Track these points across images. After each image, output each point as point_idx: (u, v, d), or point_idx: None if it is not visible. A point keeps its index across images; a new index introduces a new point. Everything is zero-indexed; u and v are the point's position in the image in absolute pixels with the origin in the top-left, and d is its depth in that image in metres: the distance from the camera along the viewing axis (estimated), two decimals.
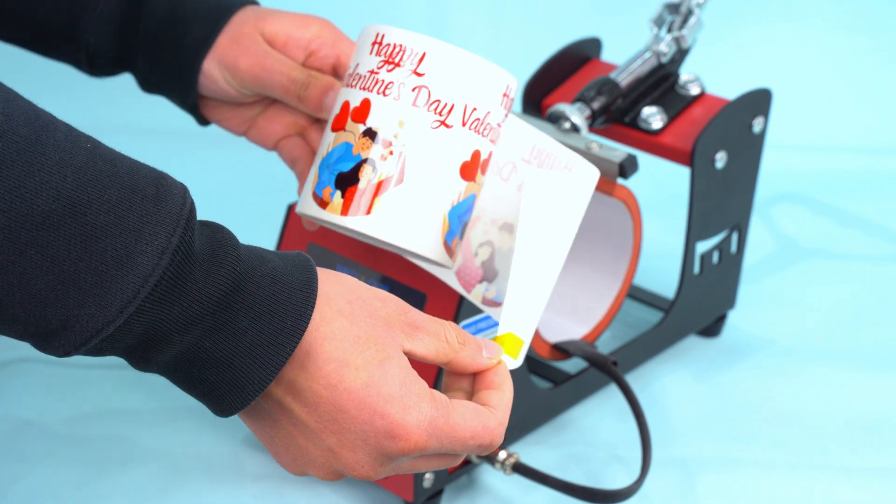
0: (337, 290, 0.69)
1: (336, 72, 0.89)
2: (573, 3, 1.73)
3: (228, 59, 0.86)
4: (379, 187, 0.79)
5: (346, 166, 0.80)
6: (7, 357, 1.18)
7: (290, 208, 1.05)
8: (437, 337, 0.71)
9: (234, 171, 1.53)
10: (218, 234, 0.68)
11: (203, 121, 0.93)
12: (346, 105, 0.81)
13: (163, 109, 1.63)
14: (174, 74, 0.88)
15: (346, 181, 0.79)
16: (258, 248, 0.70)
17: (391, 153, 0.79)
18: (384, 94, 0.79)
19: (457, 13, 1.73)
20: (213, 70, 0.87)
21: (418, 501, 0.98)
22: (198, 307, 0.64)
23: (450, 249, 0.81)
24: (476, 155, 0.80)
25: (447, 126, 0.79)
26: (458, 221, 0.81)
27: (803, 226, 1.45)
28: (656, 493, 1.02)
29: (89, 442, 1.07)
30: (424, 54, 0.79)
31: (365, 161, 0.79)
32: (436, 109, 0.79)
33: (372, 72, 0.80)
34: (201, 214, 1.50)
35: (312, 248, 1.02)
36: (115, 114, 1.62)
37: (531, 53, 1.42)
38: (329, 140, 0.81)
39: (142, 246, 0.62)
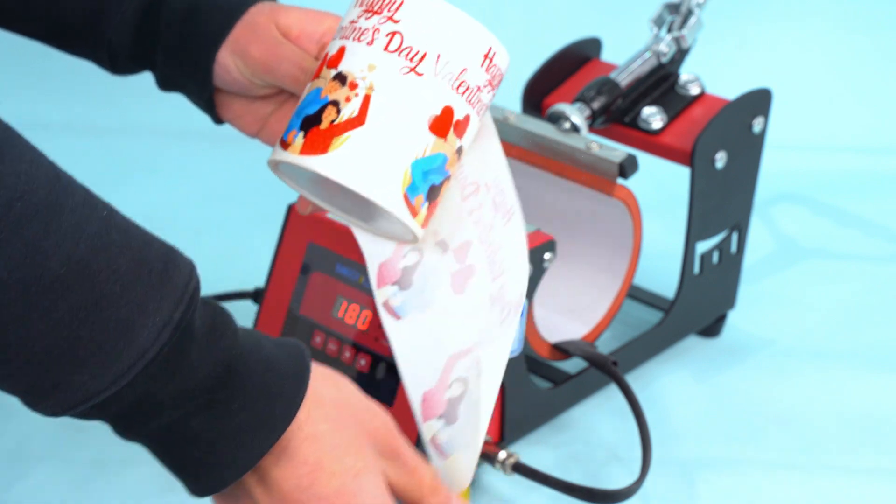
0: (329, 393, 0.69)
1: None
2: (573, 3, 1.73)
3: (241, 46, 0.86)
4: (339, 128, 0.77)
5: (313, 109, 0.78)
6: None
7: (290, 208, 1.05)
8: (413, 474, 0.71)
9: (235, 172, 1.53)
10: (218, 316, 0.68)
11: (218, 118, 0.93)
12: (325, 55, 0.80)
13: (163, 109, 1.63)
14: (191, 66, 0.88)
15: (310, 122, 0.78)
16: (255, 333, 0.70)
17: (356, 95, 0.77)
18: (358, 41, 0.78)
19: None
20: (227, 58, 0.87)
21: None
22: (191, 384, 0.64)
23: (411, 206, 0.78)
24: (447, 111, 0.78)
25: (417, 74, 0.77)
26: (423, 178, 0.78)
27: (803, 226, 1.45)
28: (656, 493, 1.02)
29: (89, 442, 1.07)
30: (402, 2, 0.78)
31: (330, 103, 0.77)
32: (407, 55, 0.77)
33: (352, 21, 0.79)
34: (203, 212, 1.51)
35: (312, 248, 1.02)
36: (118, 113, 1.62)
37: (531, 53, 1.42)
38: (306, 90, 0.80)
39: (144, 319, 0.62)
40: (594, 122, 1.13)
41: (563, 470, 1.04)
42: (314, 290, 1.02)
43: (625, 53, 1.21)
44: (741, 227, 1.19)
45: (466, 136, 0.80)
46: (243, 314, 1.19)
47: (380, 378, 0.97)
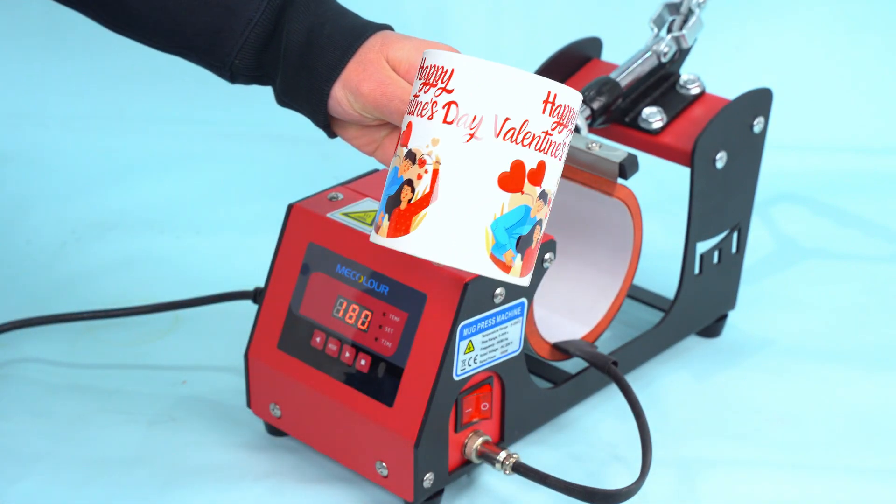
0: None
1: None
2: (573, 3, 1.73)
3: (353, 82, 0.89)
4: (415, 206, 0.80)
5: (393, 189, 0.82)
6: (7, 357, 1.18)
7: (290, 208, 1.05)
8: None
9: (235, 172, 1.53)
10: None
11: (333, 135, 0.95)
12: (400, 132, 0.84)
13: (164, 109, 1.63)
14: (306, 97, 0.91)
15: (392, 204, 0.82)
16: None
17: (426, 171, 0.80)
18: (421, 115, 0.81)
19: (457, 13, 1.73)
20: (339, 93, 0.90)
21: (418, 501, 0.98)
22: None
23: (501, 264, 0.82)
24: (517, 165, 0.80)
25: (477, 139, 0.80)
26: (507, 234, 0.81)
27: (803, 226, 1.45)
28: (656, 493, 1.02)
29: (89, 442, 1.07)
30: (453, 71, 0.80)
31: (405, 182, 0.81)
32: (465, 123, 0.80)
33: (416, 95, 0.83)
34: (203, 212, 1.51)
35: (312, 247, 1.02)
36: (119, 112, 1.62)
37: (531, 53, 1.42)
38: (389, 168, 0.84)
39: None
40: (594, 122, 1.13)
41: (563, 470, 1.04)
42: (314, 290, 1.02)
43: (625, 53, 1.22)
44: (741, 228, 1.19)
45: (547, 180, 0.83)
46: (243, 314, 1.20)
47: (380, 378, 0.97)
